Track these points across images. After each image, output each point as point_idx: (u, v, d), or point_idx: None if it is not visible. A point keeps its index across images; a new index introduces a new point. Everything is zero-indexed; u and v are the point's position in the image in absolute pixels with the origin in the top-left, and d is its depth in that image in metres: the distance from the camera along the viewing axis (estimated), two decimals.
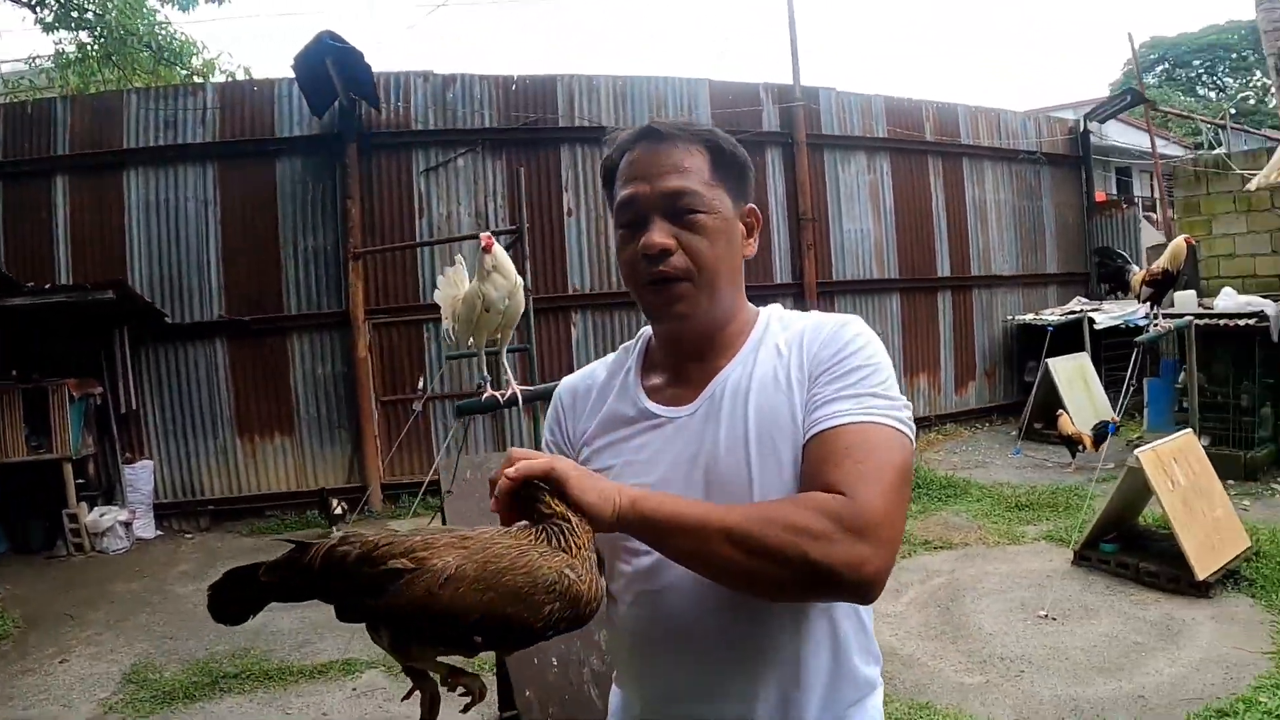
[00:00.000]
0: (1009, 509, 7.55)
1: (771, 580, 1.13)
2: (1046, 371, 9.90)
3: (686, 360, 1.42)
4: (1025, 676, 4.44)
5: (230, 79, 13.46)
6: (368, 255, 8.54)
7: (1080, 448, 8.84)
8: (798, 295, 10.50)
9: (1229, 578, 5.34)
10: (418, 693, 1.15)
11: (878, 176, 11.30)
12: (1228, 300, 8.64)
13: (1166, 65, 35.67)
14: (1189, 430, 6.27)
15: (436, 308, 8.82)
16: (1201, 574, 5.12)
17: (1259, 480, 7.81)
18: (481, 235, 4.36)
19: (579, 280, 9.51)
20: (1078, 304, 11.87)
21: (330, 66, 7.94)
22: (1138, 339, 7.21)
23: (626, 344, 1.56)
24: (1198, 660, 4.43)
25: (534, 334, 8.43)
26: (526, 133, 9.20)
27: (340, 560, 1.04)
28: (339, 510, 7.49)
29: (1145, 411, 9.75)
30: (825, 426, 1.26)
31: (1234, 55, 35.79)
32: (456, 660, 1.15)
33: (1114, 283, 7.87)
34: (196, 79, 13.89)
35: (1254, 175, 9.53)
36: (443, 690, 1.14)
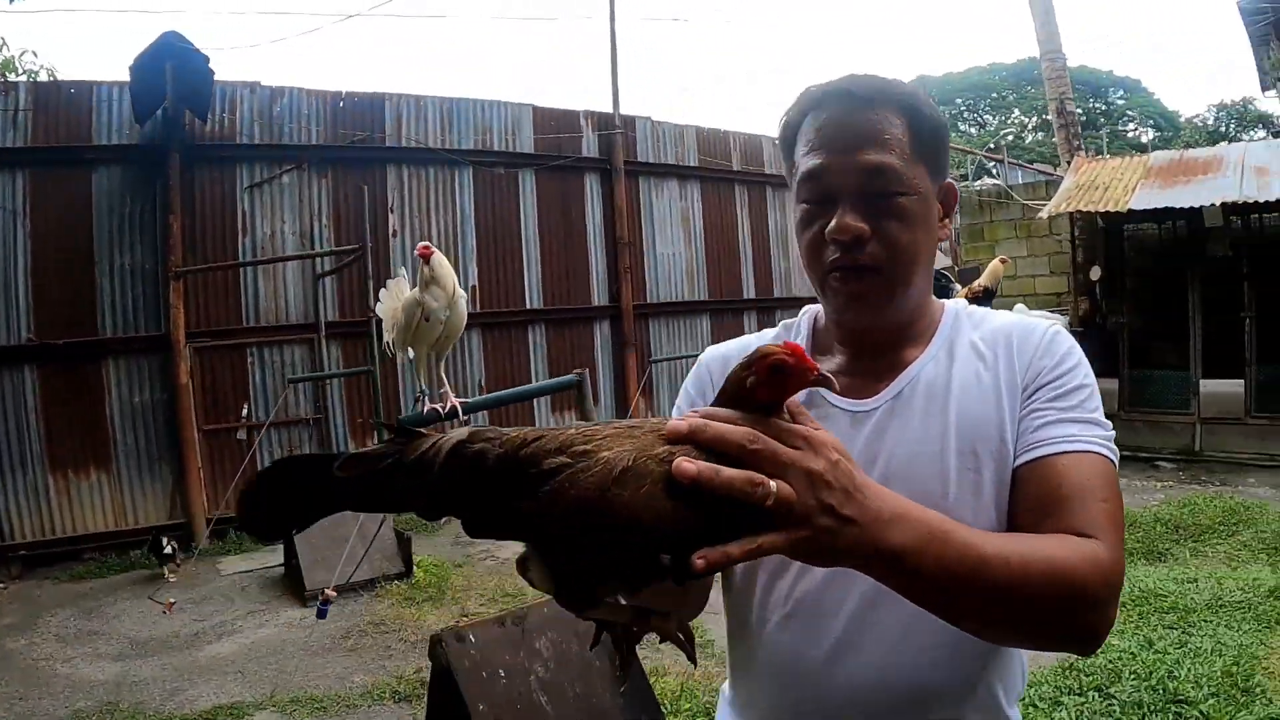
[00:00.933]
0: None
1: (1021, 626, 1.03)
2: None
3: (868, 351, 1.31)
4: None
5: (32, 80, 12.50)
6: (189, 275, 8.30)
7: None
8: (615, 317, 11.07)
9: None
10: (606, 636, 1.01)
11: (689, 203, 12.06)
12: (1021, 314, 10.12)
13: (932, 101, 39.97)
14: None
15: (261, 330, 8.96)
16: None
17: None
18: (420, 245, 4.46)
19: None
20: None
21: (169, 70, 7.73)
22: None
23: (787, 321, 1.46)
24: None
25: (367, 358, 8.59)
26: (354, 151, 9.24)
27: (475, 460, 0.88)
28: (169, 549, 7.17)
29: None
30: (1057, 450, 1.15)
31: (994, 95, 40.73)
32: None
33: (938, 298, 9.09)
34: None
35: (1033, 204, 11.26)
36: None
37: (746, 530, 0.84)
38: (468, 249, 10.00)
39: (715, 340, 10.09)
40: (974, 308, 1.38)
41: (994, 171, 18.95)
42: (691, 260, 12.13)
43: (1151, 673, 4.41)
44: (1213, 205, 8.81)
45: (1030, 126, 39.58)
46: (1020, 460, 1.17)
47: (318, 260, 8.98)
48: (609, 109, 11.13)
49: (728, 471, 0.83)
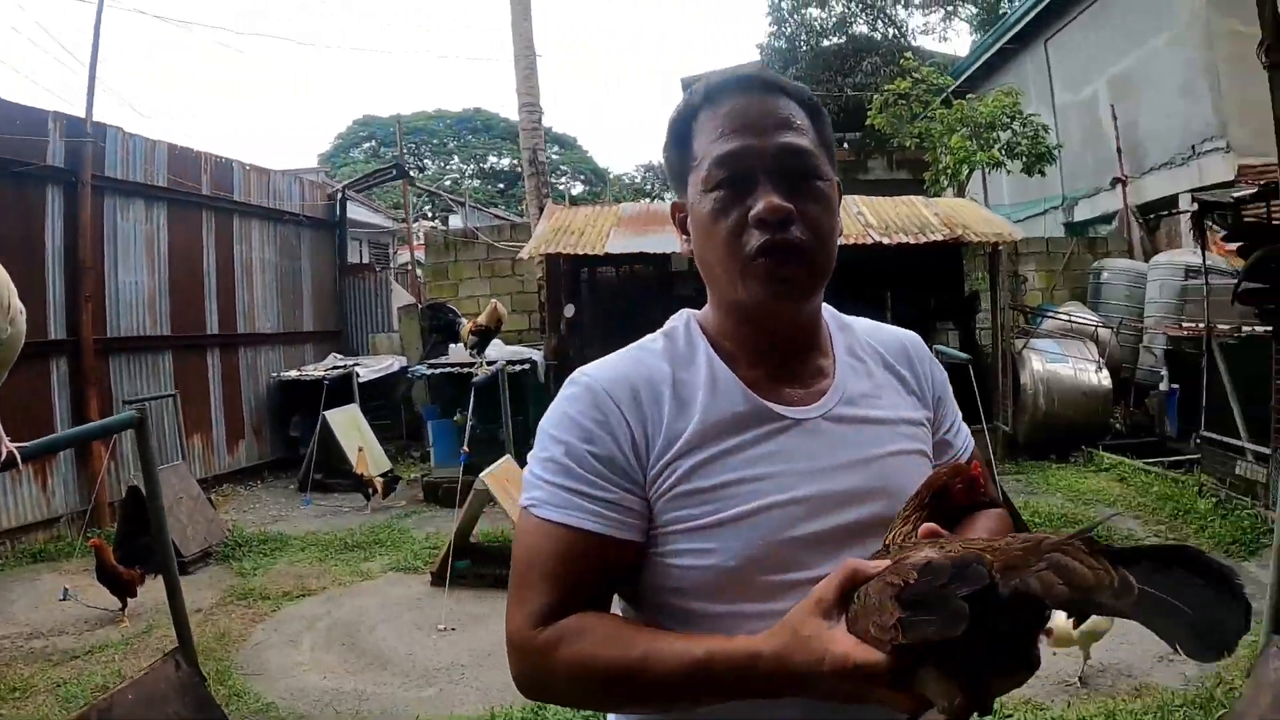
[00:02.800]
0: (341, 551, 8.88)
1: None
2: (325, 423, 11.48)
3: (785, 353, 1.40)
4: (467, 677, 5.73)
5: None
6: None
7: (371, 491, 10.63)
8: (74, 353, 10.52)
9: None
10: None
11: (154, 227, 11.97)
12: (496, 350, 11.17)
13: (374, 142, 41.83)
14: (508, 456, 8.08)
15: None
16: None
17: None
18: None
19: None
20: (334, 360, 13.94)
21: None
22: (474, 380, 9.30)
23: (668, 329, 1.48)
24: None
25: None
26: None
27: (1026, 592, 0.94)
28: None
29: (433, 450, 11.73)
30: (971, 447, 1.54)
31: (436, 141, 43.74)
32: None
33: (446, 333, 10.29)
34: None
35: (505, 245, 13.31)
36: None
37: None
38: None
39: (179, 380, 11.44)
40: (838, 314, 1.54)
41: (426, 214, 21.02)
42: (154, 290, 11.99)
43: None
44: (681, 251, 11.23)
45: (468, 174, 43.74)
46: (953, 458, 1.50)
47: None
48: (80, 113, 10.72)
49: None
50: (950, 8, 25.53)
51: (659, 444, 1.32)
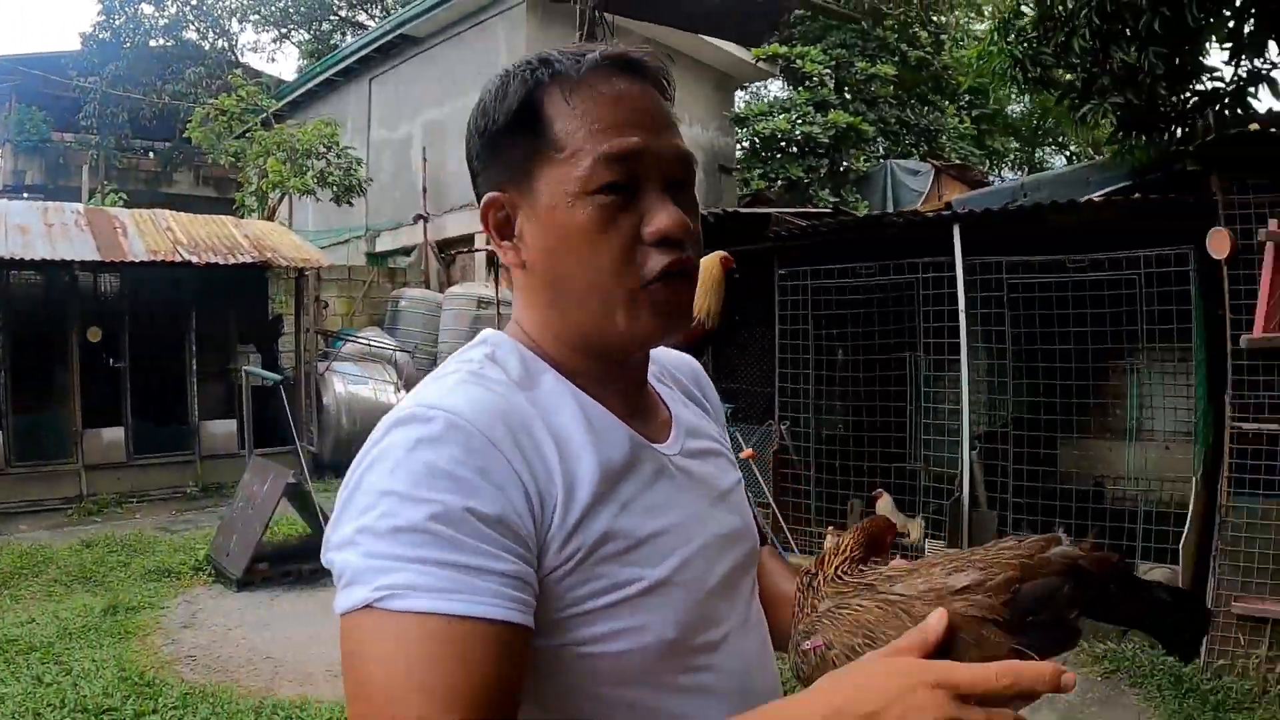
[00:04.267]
0: None
1: None
2: None
3: (633, 384, 1.22)
4: None
5: None
6: None
7: None
8: None
9: None
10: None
11: None
12: None
13: None
14: None
15: None
16: None
17: None
18: None
19: None
20: None
21: None
22: None
23: (490, 351, 1.15)
24: None
25: None
26: None
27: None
28: None
29: None
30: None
31: None
32: None
33: None
34: None
35: None
36: None
37: None
38: None
39: None
40: None
41: None
42: None
43: (64, 701, 5.06)
44: None
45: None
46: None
47: None
48: None
49: None
50: (284, 30, 26.11)
51: (558, 498, 1.02)
